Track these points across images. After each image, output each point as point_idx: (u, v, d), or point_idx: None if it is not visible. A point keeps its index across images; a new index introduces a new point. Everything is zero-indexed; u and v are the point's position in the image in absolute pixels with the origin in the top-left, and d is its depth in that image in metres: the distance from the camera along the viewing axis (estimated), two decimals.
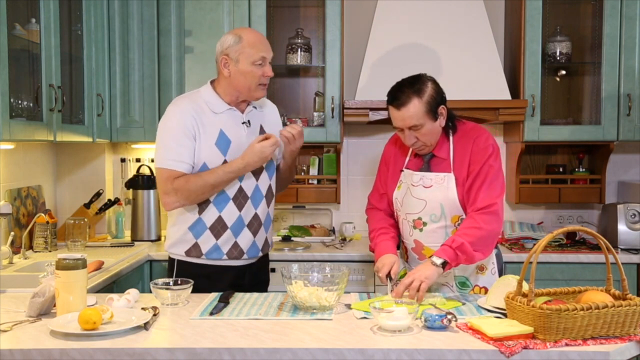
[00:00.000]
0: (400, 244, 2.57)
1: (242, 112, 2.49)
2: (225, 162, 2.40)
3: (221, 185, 2.38)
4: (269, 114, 2.62)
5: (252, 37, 2.41)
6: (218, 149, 2.40)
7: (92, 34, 3.21)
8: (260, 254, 2.56)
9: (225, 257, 2.47)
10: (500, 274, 2.48)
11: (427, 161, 2.42)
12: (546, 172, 3.87)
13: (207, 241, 2.46)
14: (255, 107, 2.54)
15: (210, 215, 2.44)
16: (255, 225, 2.49)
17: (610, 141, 3.57)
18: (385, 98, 2.39)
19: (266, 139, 2.38)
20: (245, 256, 2.50)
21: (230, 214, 2.45)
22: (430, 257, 2.22)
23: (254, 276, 2.57)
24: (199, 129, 2.39)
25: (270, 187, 2.56)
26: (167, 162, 2.37)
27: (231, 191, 2.44)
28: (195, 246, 2.46)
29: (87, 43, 3.18)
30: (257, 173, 2.48)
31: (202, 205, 2.44)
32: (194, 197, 2.38)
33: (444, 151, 2.39)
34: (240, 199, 2.46)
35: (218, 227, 2.45)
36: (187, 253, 2.48)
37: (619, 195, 3.90)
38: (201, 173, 2.38)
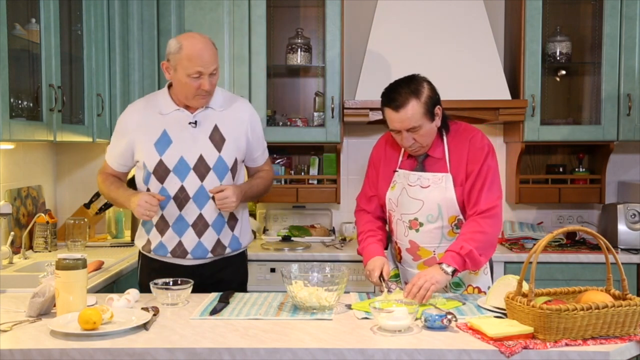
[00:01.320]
0: (389, 245, 2.56)
1: (193, 112, 2.45)
2: (160, 161, 2.41)
3: (117, 203, 2.57)
4: (231, 113, 2.50)
5: (192, 48, 2.32)
6: (155, 149, 2.42)
7: (92, 34, 3.21)
8: (211, 255, 2.48)
9: (169, 255, 2.47)
10: (492, 273, 2.50)
11: (421, 161, 2.40)
12: (546, 172, 3.87)
13: (154, 238, 2.50)
14: (211, 107, 2.46)
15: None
16: (199, 225, 2.45)
17: (610, 141, 3.57)
18: None
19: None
20: (189, 256, 2.47)
21: (170, 213, 2.45)
22: (440, 263, 2.22)
23: (209, 276, 2.48)
24: (138, 131, 2.45)
25: None
26: (106, 154, 2.60)
27: (172, 190, 2.43)
28: (148, 242, 2.52)
29: (87, 43, 3.18)
30: (202, 173, 2.43)
31: None
32: (103, 195, 2.67)
33: (439, 151, 2.38)
34: (181, 198, 2.43)
35: (162, 225, 2.47)
36: (143, 248, 2.56)
37: (619, 195, 3.90)
38: (115, 183, 2.55)
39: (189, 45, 2.32)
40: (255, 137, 2.57)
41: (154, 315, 1.98)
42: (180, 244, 2.46)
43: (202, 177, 2.43)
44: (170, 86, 2.49)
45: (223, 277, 2.53)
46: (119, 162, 2.55)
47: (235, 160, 2.49)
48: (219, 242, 2.49)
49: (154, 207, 2.34)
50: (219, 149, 2.45)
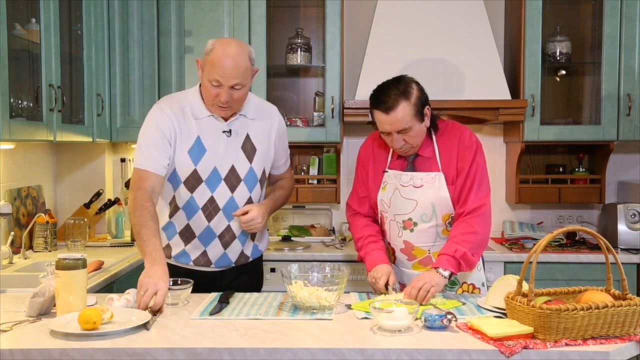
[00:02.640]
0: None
1: (226, 119, 2.37)
2: (195, 171, 2.33)
3: (138, 243, 2.21)
4: (263, 122, 2.45)
5: (219, 56, 2.20)
6: (190, 157, 2.33)
7: (92, 34, 3.21)
8: (233, 265, 2.47)
9: (192, 263, 2.44)
10: (484, 268, 2.52)
11: (411, 161, 2.40)
12: (546, 172, 3.87)
13: (176, 245, 2.44)
14: (244, 115, 2.40)
15: (180, 221, 2.41)
16: (227, 237, 2.41)
17: (610, 141, 3.57)
18: None
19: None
20: (213, 265, 2.44)
21: (198, 223, 2.39)
22: (436, 267, 2.23)
23: (230, 283, 2.46)
24: (176, 133, 2.33)
25: (250, 200, 2.42)
26: (141, 163, 2.30)
27: (201, 201, 2.36)
28: (167, 247, 2.45)
29: (87, 43, 3.18)
30: (233, 184, 2.37)
31: (173, 210, 2.41)
32: (132, 224, 2.27)
33: (429, 150, 2.38)
34: (210, 209, 2.37)
35: (187, 234, 2.41)
36: None
37: (619, 195, 3.90)
38: (155, 223, 2.22)
39: (218, 51, 2.22)
40: (281, 146, 2.53)
41: (153, 315, 1.98)
42: (204, 253, 2.42)
43: (232, 189, 2.38)
44: (200, 87, 2.38)
45: (242, 282, 2.49)
46: (162, 164, 2.30)
47: (264, 171, 2.45)
48: (242, 253, 2.48)
49: (153, 305, 2.03)
50: (250, 160, 2.40)
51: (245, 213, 2.34)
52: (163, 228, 2.45)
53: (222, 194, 2.37)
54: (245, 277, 2.53)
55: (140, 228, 2.20)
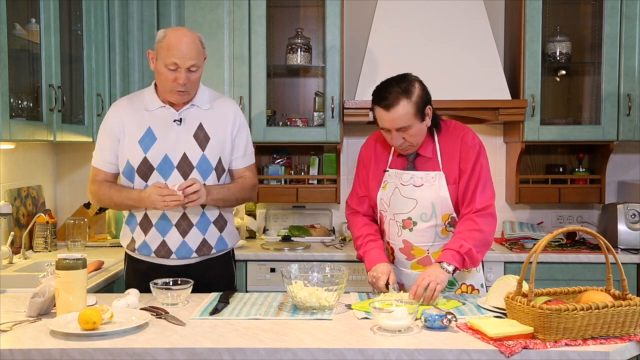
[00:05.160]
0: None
1: (178, 109, 2.44)
2: (145, 159, 2.39)
3: (123, 207, 2.48)
4: (217, 112, 2.48)
5: (173, 39, 2.32)
6: (140, 147, 2.40)
7: (92, 34, 3.21)
8: (195, 255, 2.45)
9: (153, 254, 2.45)
10: (483, 270, 2.52)
11: (411, 160, 2.40)
12: (546, 172, 3.87)
13: (139, 237, 2.47)
14: (197, 105, 2.45)
15: (139, 211, 2.45)
16: (183, 225, 2.42)
17: (610, 141, 3.57)
18: None
19: (188, 185, 2.31)
20: (173, 256, 2.43)
21: (154, 211, 2.42)
22: (439, 262, 2.23)
23: (196, 279, 2.37)
24: (124, 128, 2.43)
25: None
26: (94, 161, 2.52)
27: None
28: (132, 241, 2.49)
29: (87, 43, 3.18)
30: (185, 172, 2.40)
31: None
32: (103, 204, 2.56)
33: (429, 150, 2.38)
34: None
35: (145, 224, 2.44)
36: (127, 247, 2.52)
37: (619, 195, 3.91)
38: (113, 187, 2.46)
39: (172, 36, 2.33)
40: (240, 139, 2.52)
41: (158, 316, 1.98)
42: (164, 243, 2.43)
43: (185, 176, 2.40)
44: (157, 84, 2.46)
45: (210, 279, 2.47)
46: (109, 161, 2.48)
47: (220, 160, 2.46)
48: (204, 242, 2.46)
49: (166, 196, 2.26)
50: (203, 148, 2.42)
51: (190, 186, 2.32)
52: (126, 222, 2.52)
53: (174, 181, 2.38)
54: (212, 273, 2.51)
55: (111, 197, 2.44)
